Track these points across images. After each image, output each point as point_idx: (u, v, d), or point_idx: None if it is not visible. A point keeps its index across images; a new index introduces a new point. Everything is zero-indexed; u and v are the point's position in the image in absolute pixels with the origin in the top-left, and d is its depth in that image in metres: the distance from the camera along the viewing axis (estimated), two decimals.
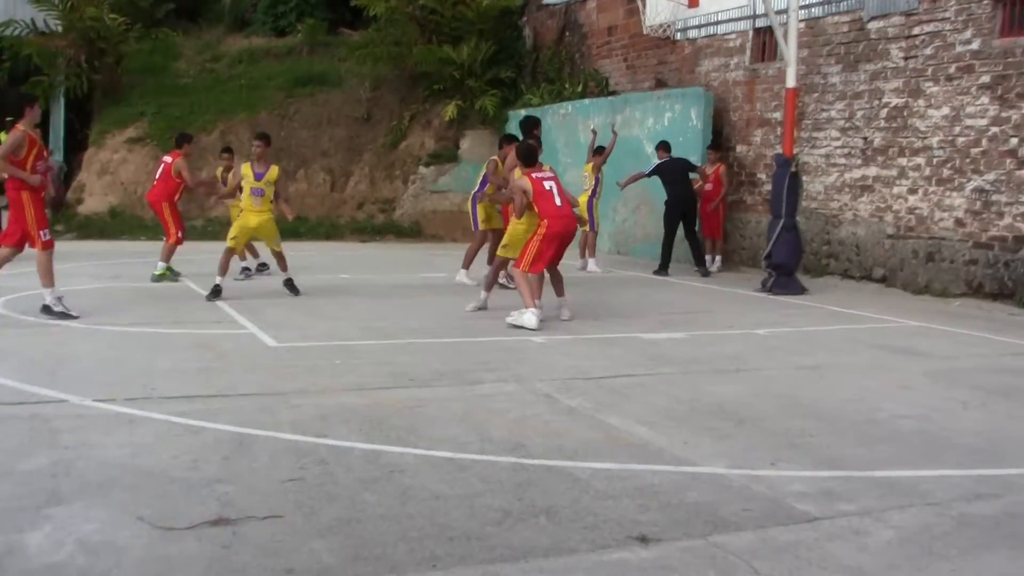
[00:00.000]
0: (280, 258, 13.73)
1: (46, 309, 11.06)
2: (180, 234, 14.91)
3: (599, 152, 17.65)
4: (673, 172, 17.62)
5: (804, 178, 16.34)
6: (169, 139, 24.22)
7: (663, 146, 18.11)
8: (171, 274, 14.74)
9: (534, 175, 11.66)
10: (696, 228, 17.76)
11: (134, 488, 5.39)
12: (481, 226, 14.91)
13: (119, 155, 24.38)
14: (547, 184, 11.61)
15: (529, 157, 11.86)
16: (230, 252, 13.49)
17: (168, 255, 14.76)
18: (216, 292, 12.88)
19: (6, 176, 10.94)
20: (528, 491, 5.48)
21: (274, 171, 13.57)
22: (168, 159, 15.38)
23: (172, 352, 9.31)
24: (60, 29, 25.88)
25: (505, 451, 6.23)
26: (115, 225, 22.66)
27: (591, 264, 17.53)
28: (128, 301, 12.56)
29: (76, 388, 7.66)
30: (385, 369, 8.76)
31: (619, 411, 7.40)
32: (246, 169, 13.60)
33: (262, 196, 13.52)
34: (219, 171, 16.70)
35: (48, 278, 11.09)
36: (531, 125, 13.67)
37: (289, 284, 13.58)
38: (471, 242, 15.39)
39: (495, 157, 14.68)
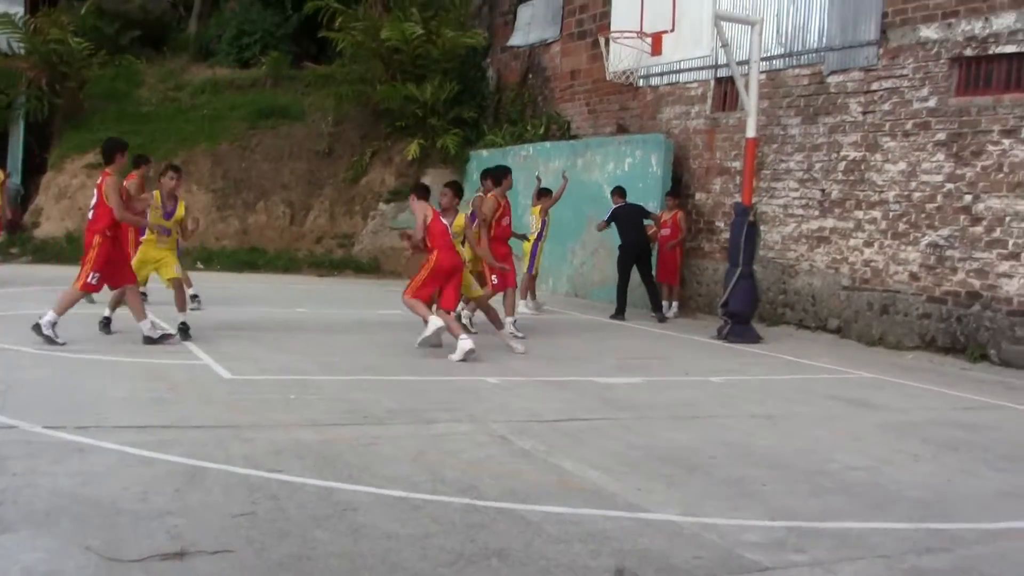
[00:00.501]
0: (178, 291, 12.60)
1: (37, 328, 11.04)
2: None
3: (545, 195, 17.65)
4: (628, 217, 17.68)
5: (762, 227, 16.47)
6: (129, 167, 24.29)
7: (618, 191, 18.18)
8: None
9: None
10: (652, 273, 17.81)
11: (82, 518, 5.33)
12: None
13: (78, 180, 24.24)
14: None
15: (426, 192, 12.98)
16: (178, 284, 12.64)
17: None
18: (184, 330, 12.22)
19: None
20: (480, 533, 5.47)
21: (181, 208, 12.70)
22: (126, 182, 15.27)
23: (125, 381, 9.24)
24: (23, 52, 25.77)
25: (458, 492, 6.21)
26: (71, 250, 22.39)
27: (521, 305, 17.28)
28: (82, 328, 12.44)
29: (26, 414, 7.58)
30: (340, 405, 8.73)
31: (573, 455, 7.40)
32: (156, 199, 12.59)
33: (168, 236, 12.62)
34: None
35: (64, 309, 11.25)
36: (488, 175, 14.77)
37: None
38: None
39: (480, 192, 14.90)
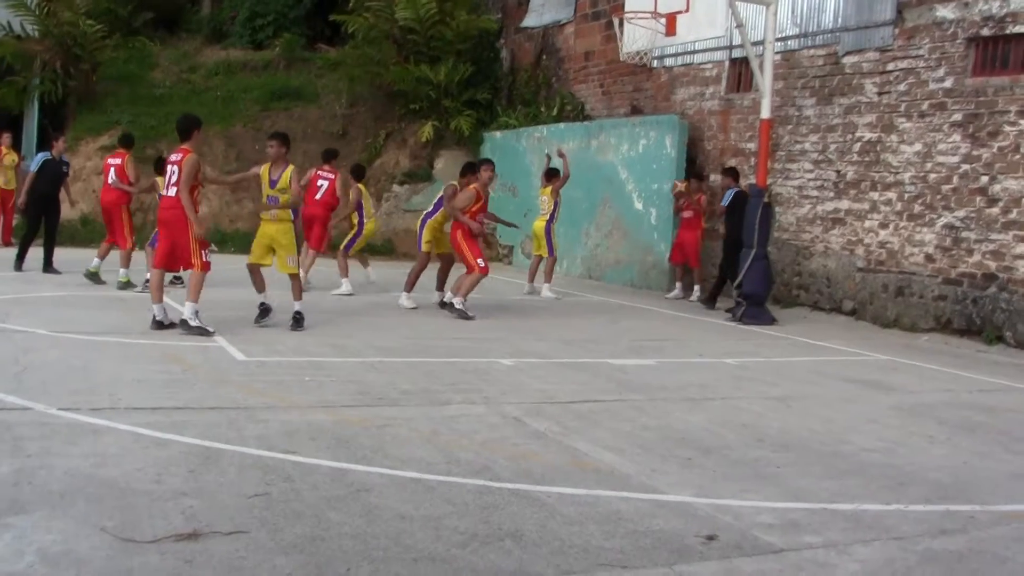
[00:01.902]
0: (295, 282, 12.48)
1: (184, 323, 11.17)
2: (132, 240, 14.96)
3: (554, 176, 17.55)
4: (742, 205, 16.42)
5: (777, 209, 16.39)
6: (144, 148, 24.27)
7: (731, 173, 17.15)
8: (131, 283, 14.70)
9: None
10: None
11: (97, 499, 5.34)
12: (424, 247, 14.97)
13: (92, 163, 24.21)
14: None
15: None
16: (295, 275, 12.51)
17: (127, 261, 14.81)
18: (297, 320, 12.07)
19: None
20: (494, 514, 5.46)
21: (286, 175, 12.12)
22: (116, 160, 15.35)
23: (140, 363, 9.25)
24: (36, 34, 25.79)
25: (472, 473, 6.21)
26: (86, 233, 22.47)
27: (545, 290, 17.23)
28: (97, 310, 12.48)
29: (41, 396, 7.60)
30: (353, 387, 8.73)
31: (587, 436, 7.39)
32: (264, 173, 12.30)
33: (276, 204, 12.23)
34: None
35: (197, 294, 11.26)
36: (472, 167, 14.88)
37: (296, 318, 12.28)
38: (414, 264, 15.28)
39: (454, 182, 14.93)
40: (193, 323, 11.10)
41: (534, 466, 6.49)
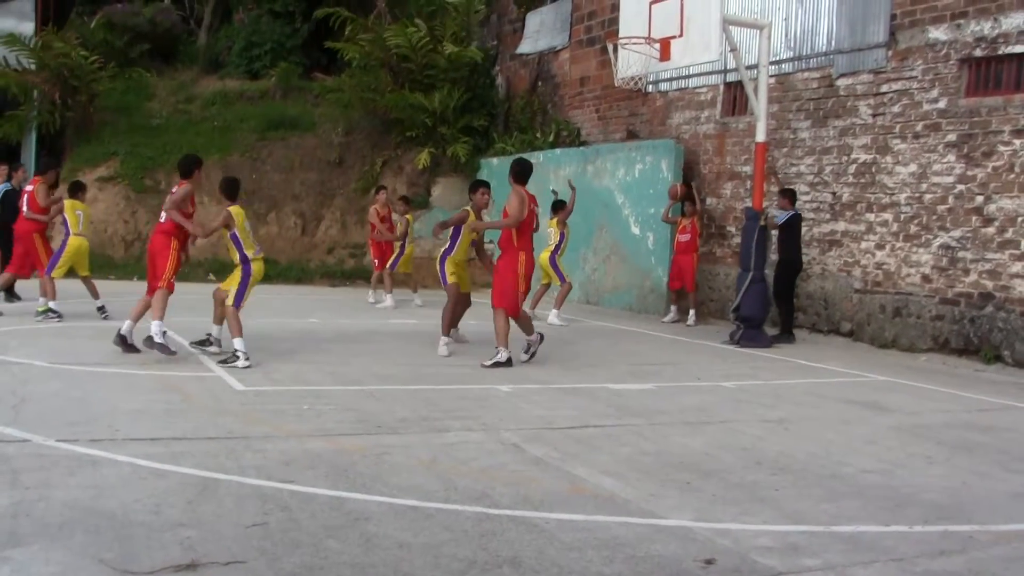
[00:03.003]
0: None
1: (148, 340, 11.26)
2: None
3: (560, 208, 17.55)
4: (798, 228, 16.42)
5: (773, 232, 16.41)
6: (141, 179, 24.34)
7: (788, 195, 16.57)
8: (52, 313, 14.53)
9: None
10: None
11: (95, 531, 5.34)
12: (450, 279, 13.31)
13: (90, 193, 24.03)
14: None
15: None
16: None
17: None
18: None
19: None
20: (493, 541, 5.46)
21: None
22: (30, 187, 15.39)
23: (138, 394, 9.26)
24: (33, 67, 25.89)
25: (471, 500, 6.21)
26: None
27: (552, 316, 17.16)
28: (95, 340, 12.48)
29: (39, 428, 7.60)
30: (352, 415, 8.73)
31: (586, 462, 7.40)
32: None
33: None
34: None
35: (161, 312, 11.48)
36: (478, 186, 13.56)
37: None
38: (447, 304, 13.39)
39: (467, 208, 13.32)
40: (158, 340, 11.15)
41: (533, 492, 6.49)
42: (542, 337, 12.58)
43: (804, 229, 16.79)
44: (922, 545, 5.81)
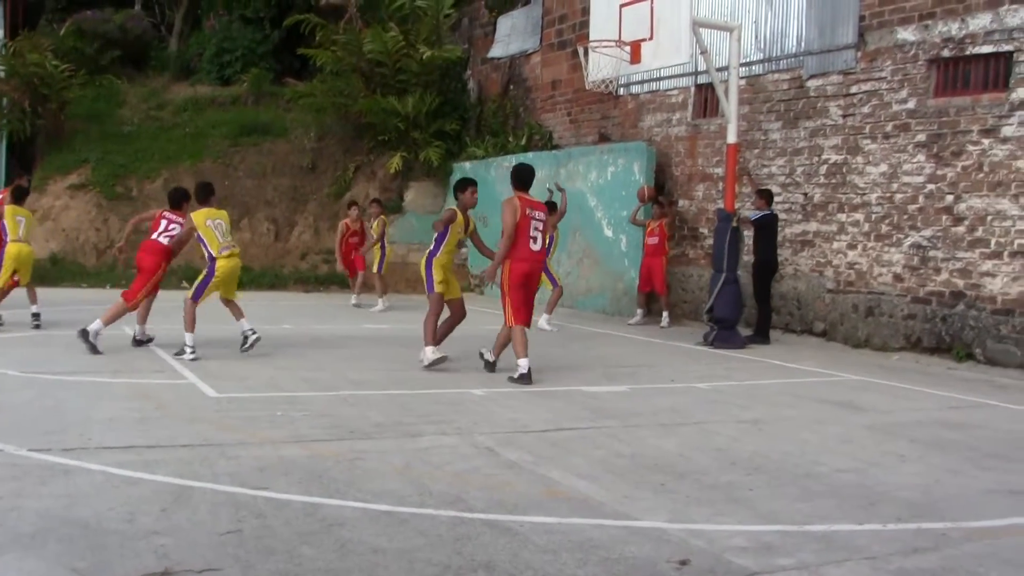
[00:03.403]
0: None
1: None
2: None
3: (551, 210, 17.45)
4: (773, 227, 16.52)
5: (745, 233, 16.46)
6: (112, 186, 24.23)
7: (765, 196, 16.57)
8: None
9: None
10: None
11: (69, 540, 5.31)
12: (437, 288, 12.29)
13: (61, 201, 24.20)
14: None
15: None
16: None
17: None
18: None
19: None
20: (467, 545, 5.46)
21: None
22: None
23: (111, 402, 9.21)
24: (3, 75, 25.75)
25: (445, 505, 6.21)
26: (56, 272, 22.40)
27: (543, 321, 17.02)
28: (68, 349, 12.42)
29: (12, 437, 7.55)
30: (326, 421, 8.72)
31: (560, 465, 7.40)
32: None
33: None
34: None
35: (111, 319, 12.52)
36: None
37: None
38: (429, 311, 12.41)
39: (453, 207, 12.68)
40: (92, 339, 12.09)
41: (507, 496, 6.49)
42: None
43: (777, 229, 16.85)
44: (895, 543, 5.83)
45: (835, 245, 16.09)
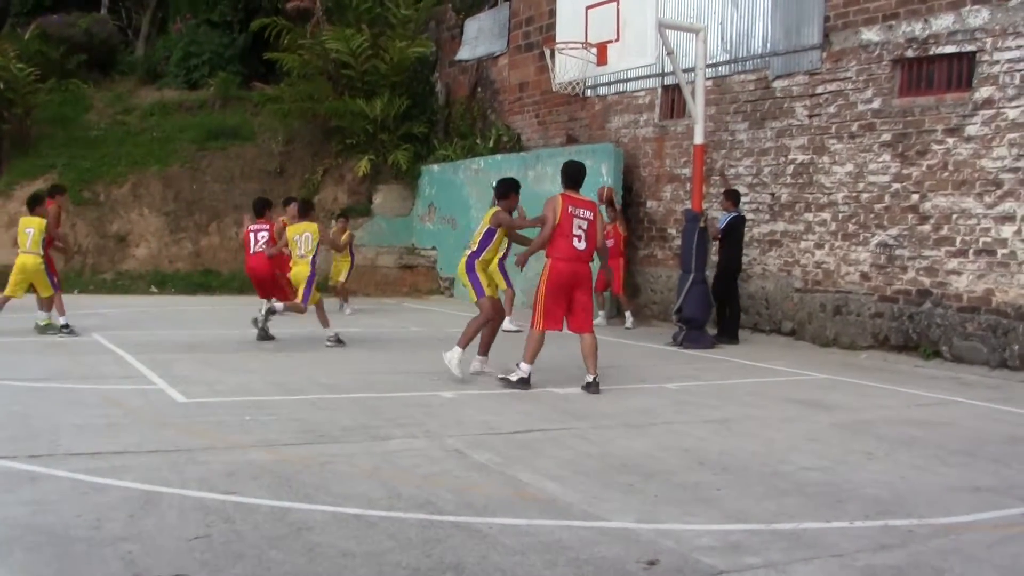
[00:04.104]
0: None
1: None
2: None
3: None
4: (740, 229, 16.57)
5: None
6: (79, 191, 24.04)
7: (732, 196, 16.67)
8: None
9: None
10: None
11: (35, 548, 5.28)
12: (488, 291, 11.89)
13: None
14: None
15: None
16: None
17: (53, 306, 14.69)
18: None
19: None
20: (436, 548, 5.46)
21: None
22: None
23: (79, 408, 9.16)
24: None
25: (414, 507, 6.21)
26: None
27: (507, 322, 17.00)
28: (37, 355, 12.37)
29: None
30: (294, 425, 8.69)
31: (529, 466, 7.41)
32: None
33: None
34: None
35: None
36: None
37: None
38: (476, 317, 11.91)
39: (497, 208, 12.12)
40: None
41: (476, 498, 6.50)
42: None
43: (744, 230, 16.94)
44: (863, 540, 5.87)
45: (802, 244, 16.18)
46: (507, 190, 12.10)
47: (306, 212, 15.06)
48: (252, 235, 14.74)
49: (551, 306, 11.03)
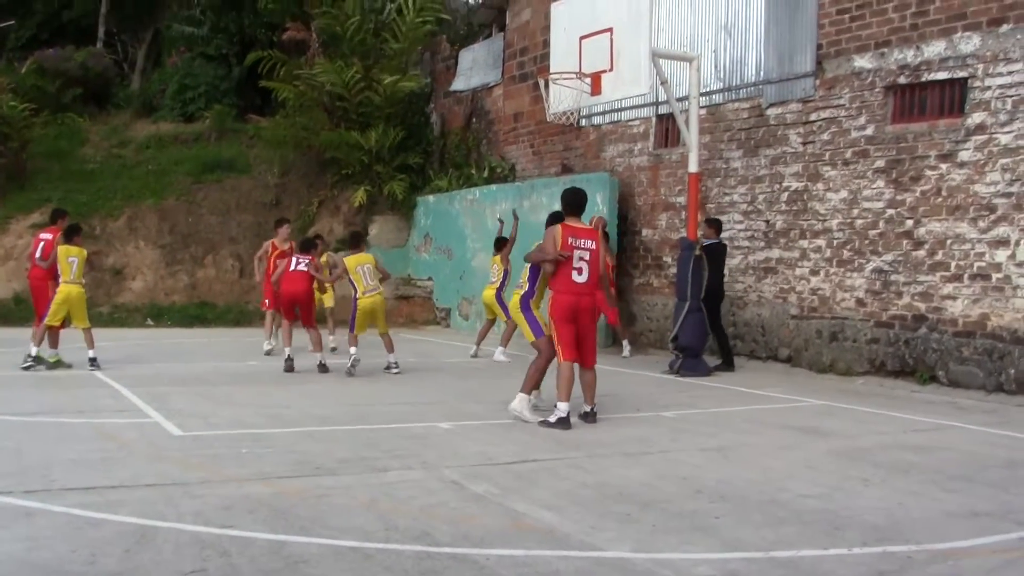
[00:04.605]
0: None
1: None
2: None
3: (502, 244, 17.49)
4: (720, 257, 16.40)
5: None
6: (71, 223, 24.02)
7: (714, 225, 16.58)
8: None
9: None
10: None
11: None
12: (547, 331, 11.45)
13: (24, 240, 23.99)
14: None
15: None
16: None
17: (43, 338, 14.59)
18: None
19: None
20: None
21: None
22: (48, 236, 15.15)
23: (74, 442, 9.14)
24: None
25: (411, 539, 6.19)
26: (19, 312, 22.23)
27: (498, 353, 16.98)
28: (30, 389, 12.35)
29: None
30: (291, 457, 8.68)
31: (526, 497, 7.39)
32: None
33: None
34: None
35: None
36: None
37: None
38: (537, 360, 11.47)
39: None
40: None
41: (473, 529, 6.49)
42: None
43: (739, 257, 16.97)
44: (861, 567, 5.86)
45: (798, 271, 16.19)
46: (551, 220, 11.69)
47: (357, 244, 15.78)
48: (295, 260, 15.47)
49: (567, 337, 10.74)
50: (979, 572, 5.85)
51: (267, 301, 17.44)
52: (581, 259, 10.76)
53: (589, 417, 10.89)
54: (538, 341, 11.45)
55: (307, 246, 15.91)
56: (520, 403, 10.91)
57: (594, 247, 10.90)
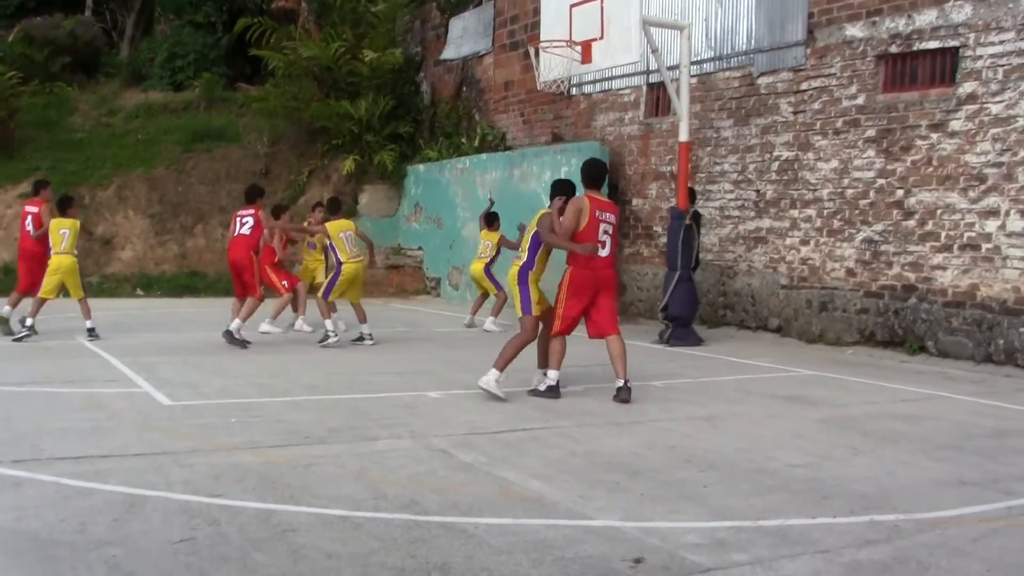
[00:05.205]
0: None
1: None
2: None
3: (494, 220, 17.48)
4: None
5: (701, 230, 16.52)
6: (62, 192, 23.98)
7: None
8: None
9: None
10: None
11: (18, 553, 5.26)
12: (535, 310, 10.85)
13: (12, 210, 23.91)
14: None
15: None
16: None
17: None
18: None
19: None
20: (422, 548, 5.45)
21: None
22: (34, 208, 15.09)
23: (63, 412, 9.13)
24: None
25: (399, 508, 6.20)
26: (8, 282, 22.14)
27: (489, 323, 17.04)
28: (20, 359, 12.33)
29: None
30: (279, 426, 8.68)
31: (514, 465, 7.40)
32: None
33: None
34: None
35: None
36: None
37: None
38: (516, 337, 10.86)
39: (547, 210, 11.04)
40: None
41: (462, 498, 6.49)
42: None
43: (729, 227, 17.00)
44: (848, 536, 5.87)
45: (788, 241, 16.20)
46: (555, 191, 11.16)
47: (336, 210, 15.35)
48: (237, 220, 14.72)
49: (570, 311, 10.53)
50: (966, 541, 5.86)
51: (284, 284, 16.01)
52: (605, 232, 10.49)
53: (623, 392, 10.31)
54: (525, 318, 10.80)
55: (252, 195, 14.77)
56: (490, 377, 10.35)
57: (615, 221, 10.72)
